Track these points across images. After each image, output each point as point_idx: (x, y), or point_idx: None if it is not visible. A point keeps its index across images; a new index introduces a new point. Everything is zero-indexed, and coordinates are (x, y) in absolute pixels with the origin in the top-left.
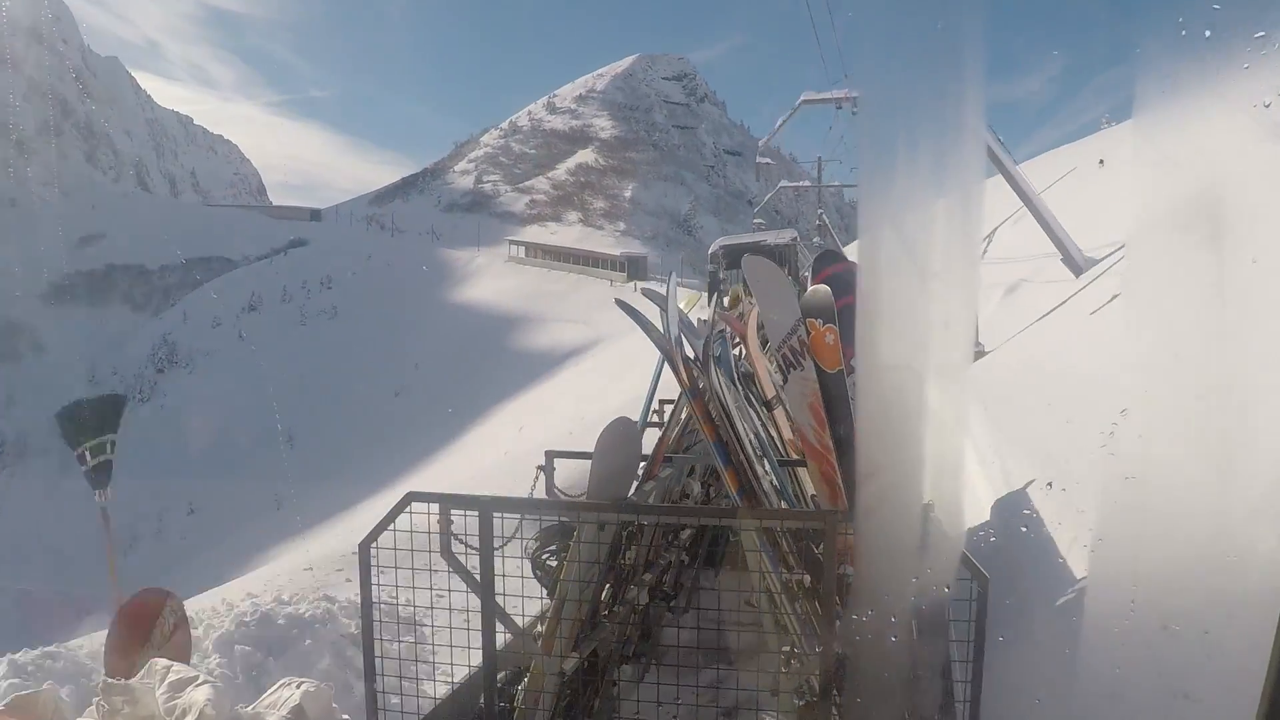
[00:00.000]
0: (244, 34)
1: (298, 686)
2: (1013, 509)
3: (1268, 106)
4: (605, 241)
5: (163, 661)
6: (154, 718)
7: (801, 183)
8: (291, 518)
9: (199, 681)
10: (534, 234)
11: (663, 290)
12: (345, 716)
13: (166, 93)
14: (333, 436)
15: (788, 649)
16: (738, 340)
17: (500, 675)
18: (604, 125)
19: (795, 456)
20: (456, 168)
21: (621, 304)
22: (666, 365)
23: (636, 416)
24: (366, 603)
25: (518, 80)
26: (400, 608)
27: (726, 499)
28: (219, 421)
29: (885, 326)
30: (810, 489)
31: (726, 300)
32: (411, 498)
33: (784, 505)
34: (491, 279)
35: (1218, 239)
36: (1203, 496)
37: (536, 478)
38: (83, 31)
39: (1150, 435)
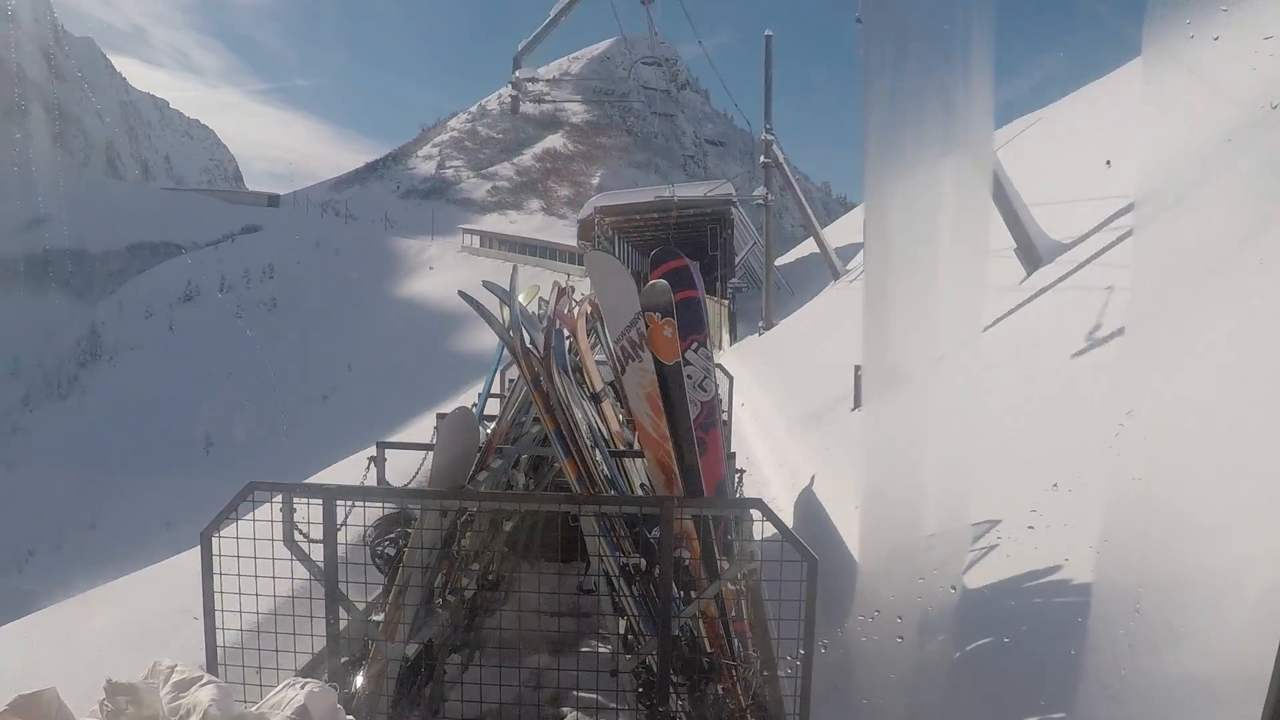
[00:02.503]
0: (230, 21)
1: (302, 687)
2: (1018, 510)
3: (1275, 108)
4: (567, 232)
5: (167, 661)
6: (158, 718)
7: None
8: (189, 537)
9: (203, 681)
10: (493, 222)
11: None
12: (350, 718)
13: (150, 78)
14: (252, 443)
15: (625, 632)
16: (569, 334)
17: (341, 661)
18: (576, 109)
19: (622, 448)
20: (420, 152)
21: (464, 296)
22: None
23: None
24: (208, 593)
25: (494, 62)
26: (243, 597)
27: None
28: (136, 423)
29: (890, 326)
30: (639, 478)
31: (555, 293)
32: (253, 487)
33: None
34: (441, 270)
35: (1224, 240)
36: (1209, 498)
37: (368, 468)
38: (56, 11)
39: (1157, 436)
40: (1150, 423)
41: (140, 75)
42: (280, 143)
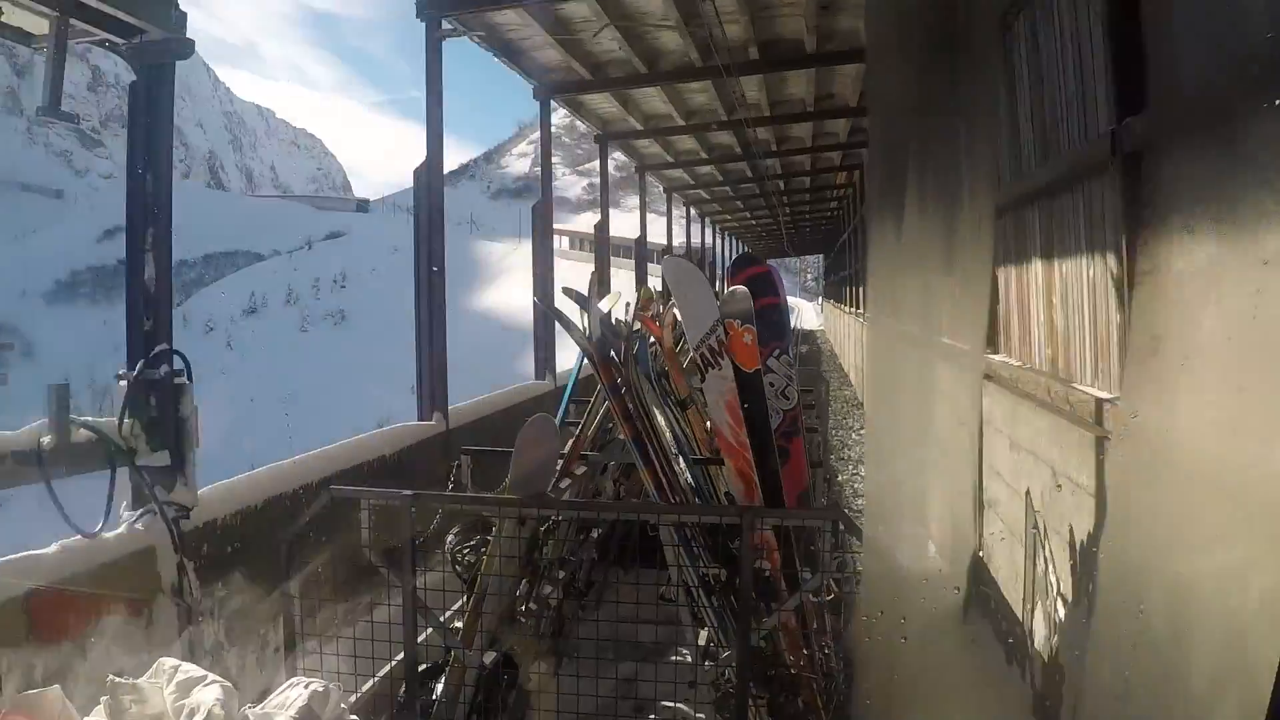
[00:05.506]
0: (343, 35)
1: (305, 686)
2: (1020, 510)
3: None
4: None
5: (171, 660)
6: (162, 716)
7: None
8: None
9: (207, 681)
10: (588, 221)
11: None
12: (353, 717)
13: (263, 91)
14: None
15: (704, 643)
16: (653, 340)
17: (420, 668)
18: None
19: (708, 454)
20: (515, 150)
21: (539, 302)
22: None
23: None
24: (287, 598)
25: None
26: (321, 602)
27: (636, 497)
28: None
29: (892, 335)
30: (724, 486)
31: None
32: (332, 493)
33: (699, 502)
34: (526, 275)
35: (1229, 240)
36: (1212, 499)
37: (453, 475)
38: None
39: (1160, 438)
40: (1152, 424)
41: (253, 88)
42: (397, 152)
